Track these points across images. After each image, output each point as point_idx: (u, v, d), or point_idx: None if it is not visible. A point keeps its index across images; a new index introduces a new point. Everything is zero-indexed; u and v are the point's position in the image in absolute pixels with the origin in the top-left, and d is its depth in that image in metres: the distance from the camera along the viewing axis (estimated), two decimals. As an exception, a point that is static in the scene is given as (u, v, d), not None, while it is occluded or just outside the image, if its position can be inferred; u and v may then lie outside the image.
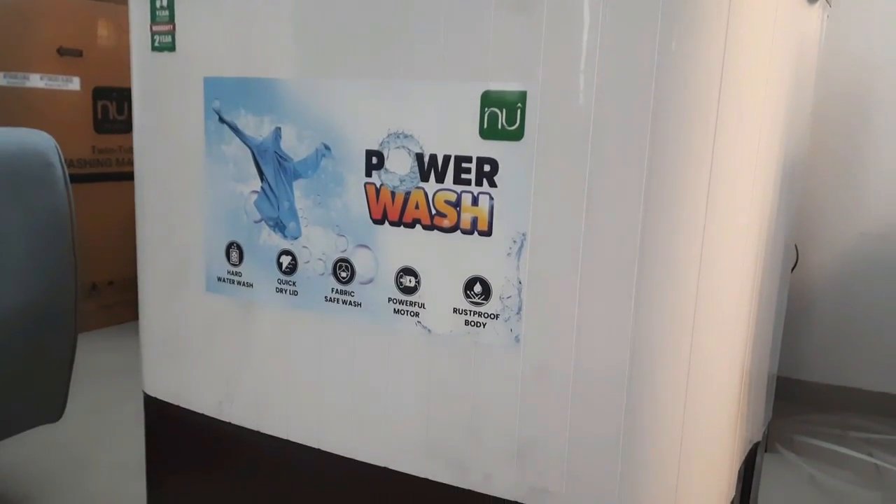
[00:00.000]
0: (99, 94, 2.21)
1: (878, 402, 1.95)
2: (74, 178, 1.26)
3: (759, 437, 0.90)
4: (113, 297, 2.31)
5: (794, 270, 1.76)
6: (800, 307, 1.99)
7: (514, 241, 0.68)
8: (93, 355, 2.07)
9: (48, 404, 1.27)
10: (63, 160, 1.21)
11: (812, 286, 2.00)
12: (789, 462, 1.67)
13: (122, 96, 2.24)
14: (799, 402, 1.98)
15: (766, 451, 1.68)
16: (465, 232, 0.70)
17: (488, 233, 0.69)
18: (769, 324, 0.90)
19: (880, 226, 1.94)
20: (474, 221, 0.69)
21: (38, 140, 1.20)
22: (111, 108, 2.23)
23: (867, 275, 1.96)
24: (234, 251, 0.83)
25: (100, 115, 2.22)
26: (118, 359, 2.01)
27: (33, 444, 1.55)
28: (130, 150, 0.92)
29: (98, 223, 2.02)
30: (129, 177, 0.91)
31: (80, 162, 2.18)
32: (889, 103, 1.89)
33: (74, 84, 2.14)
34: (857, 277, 1.97)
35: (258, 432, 0.85)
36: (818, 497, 1.52)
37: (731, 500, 0.75)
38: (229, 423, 0.87)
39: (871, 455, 1.70)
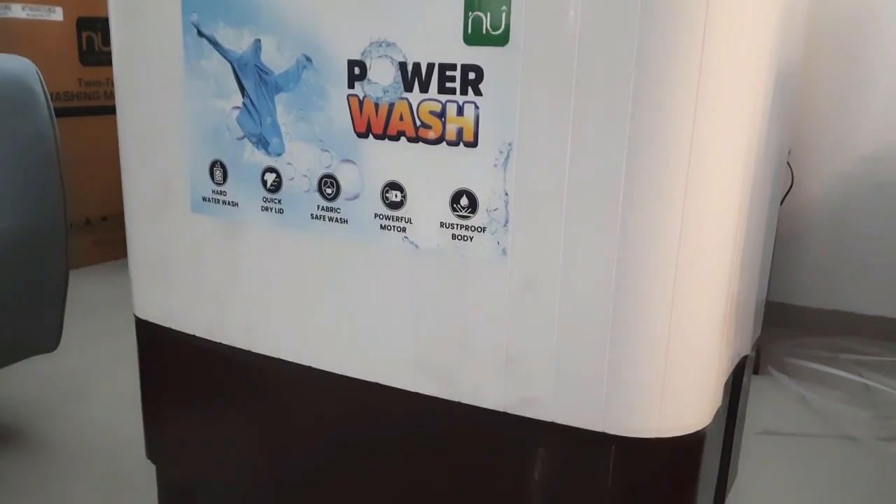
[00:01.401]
0: (83, 24, 2.16)
1: (871, 324, 1.97)
2: (62, 112, 1.24)
3: (747, 351, 0.91)
4: (107, 232, 2.31)
5: (790, 194, 1.76)
6: (794, 231, 1.99)
7: (501, 152, 0.67)
8: (88, 290, 2.08)
9: (44, 333, 1.27)
10: (45, 86, 1.19)
11: (807, 210, 1.99)
12: (780, 383, 1.69)
13: (106, 27, 2.18)
14: (791, 326, 1.99)
15: (757, 373, 1.71)
16: (450, 143, 0.69)
17: (474, 143, 0.68)
18: (760, 238, 0.90)
19: (878, 149, 1.92)
20: (460, 132, 0.68)
21: (18, 66, 1.18)
22: (96, 39, 2.19)
23: (863, 199, 1.95)
24: (218, 170, 0.81)
25: (85, 47, 2.18)
26: (114, 293, 2.02)
27: (30, 374, 1.57)
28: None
29: (89, 157, 2.00)
30: (119, 109, 0.90)
31: (66, 95, 2.15)
32: (890, 21, 1.85)
33: (57, 14, 2.09)
34: (853, 201, 1.96)
35: (250, 352, 0.86)
36: (808, 416, 1.55)
37: (716, 409, 0.76)
38: (221, 343, 0.88)
39: (861, 375, 1.73)
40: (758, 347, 1.57)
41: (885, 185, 1.92)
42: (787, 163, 1.37)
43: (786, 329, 1.97)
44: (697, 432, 0.71)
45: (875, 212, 1.95)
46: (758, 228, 0.88)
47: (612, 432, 0.69)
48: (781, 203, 1.33)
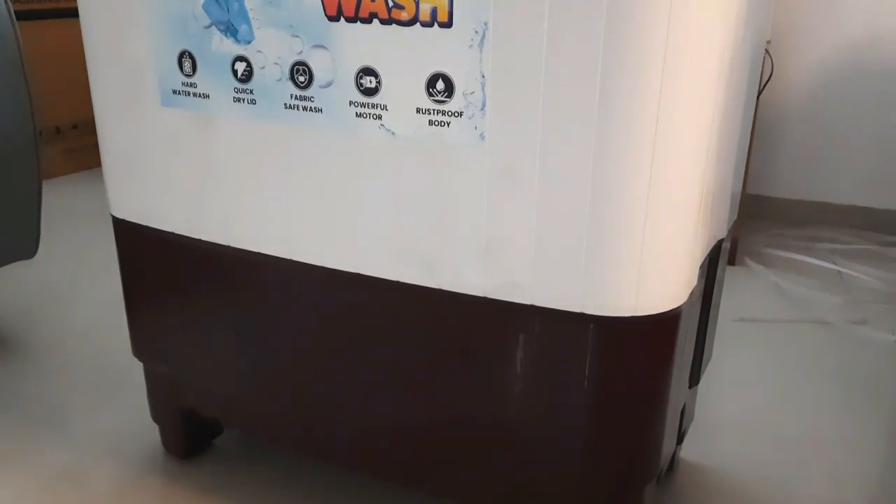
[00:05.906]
0: (37, -81, 2.05)
1: (847, 214, 2.00)
2: (24, 15, 1.19)
3: (723, 234, 0.92)
4: (78, 140, 2.26)
5: (769, 84, 1.74)
6: (773, 121, 1.99)
7: (477, 32, 0.65)
8: (64, 200, 2.05)
9: (20, 239, 1.26)
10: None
11: (786, 100, 1.98)
12: (756, 273, 1.73)
13: (62, -78, 2.08)
14: (769, 218, 2.02)
15: (733, 264, 1.74)
16: (424, 24, 0.67)
17: (449, 24, 0.66)
18: (737, 125, 0.89)
19: (859, 38, 1.90)
20: (434, 12, 0.66)
21: (-31, -42, 1.12)
22: (52, -65, 2.08)
23: (840, 89, 1.95)
24: (187, 61, 0.79)
25: (41, -56, 2.07)
26: (90, 203, 1.99)
27: (12, 282, 1.57)
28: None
29: (56, 63, 1.94)
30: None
31: (26, -4, 2.06)
32: None
33: None
34: (831, 92, 1.95)
35: (229, 247, 0.86)
36: (783, 303, 1.59)
37: (691, 289, 0.77)
38: (200, 239, 0.87)
39: (835, 264, 1.76)
40: (734, 239, 1.59)
41: (866, 74, 1.91)
42: (767, 51, 1.35)
43: (763, 221, 2.00)
44: (673, 310, 0.73)
45: (852, 102, 1.94)
46: (735, 115, 0.87)
47: (590, 312, 0.70)
48: (760, 93, 1.32)
